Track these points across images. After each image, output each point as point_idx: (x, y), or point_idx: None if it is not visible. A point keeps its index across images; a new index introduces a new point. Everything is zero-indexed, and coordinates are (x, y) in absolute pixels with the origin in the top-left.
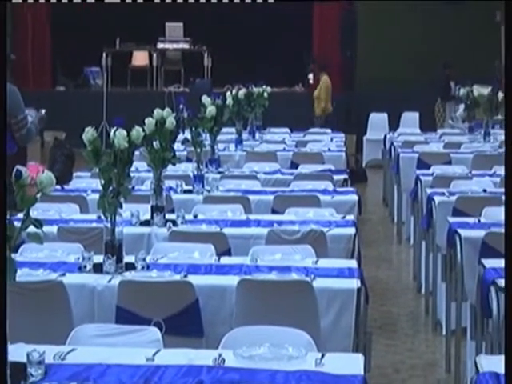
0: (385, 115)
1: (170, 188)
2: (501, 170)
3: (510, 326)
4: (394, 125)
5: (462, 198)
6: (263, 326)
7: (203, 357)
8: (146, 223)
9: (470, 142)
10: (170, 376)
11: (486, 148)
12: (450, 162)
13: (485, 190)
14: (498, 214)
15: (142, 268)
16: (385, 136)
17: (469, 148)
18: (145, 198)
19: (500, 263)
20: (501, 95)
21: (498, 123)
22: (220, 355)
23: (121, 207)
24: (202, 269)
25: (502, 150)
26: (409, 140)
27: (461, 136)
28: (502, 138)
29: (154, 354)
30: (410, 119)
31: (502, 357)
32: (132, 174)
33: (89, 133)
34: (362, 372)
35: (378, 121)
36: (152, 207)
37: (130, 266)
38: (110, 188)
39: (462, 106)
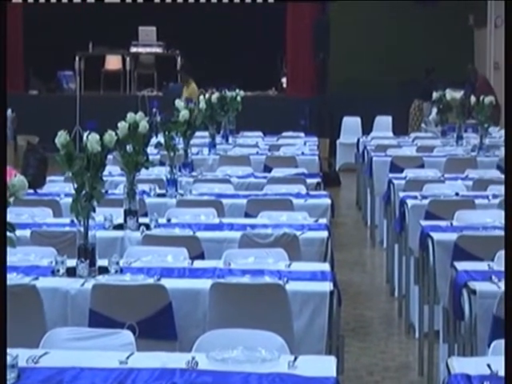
0: (358, 119)
1: (144, 192)
2: (473, 174)
3: (509, 325)
4: (367, 128)
5: (435, 202)
6: (236, 329)
7: (176, 360)
8: (120, 227)
9: (442, 146)
10: (143, 379)
11: (458, 152)
12: (422, 166)
13: (457, 194)
14: (470, 217)
15: (116, 272)
16: (358, 140)
17: (441, 152)
18: (118, 201)
19: (472, 266)
20: (473, 99)
21: (470, 127)
22: (193, 358)
23: (94, 211)
24: (176, 272)
25: (475, 153)
26: (382, 144)
27: (434, 140)
28: (475, 141)
29: (127, 358)
30: (383, 123)
31: (473, 358)
32: (105, 178)
33: (61, 137)
34: (335, 374)
35: (351, 124)
36: (125, 211)
37: (104, 270)
38: (83, 192)
39: (434, 110)
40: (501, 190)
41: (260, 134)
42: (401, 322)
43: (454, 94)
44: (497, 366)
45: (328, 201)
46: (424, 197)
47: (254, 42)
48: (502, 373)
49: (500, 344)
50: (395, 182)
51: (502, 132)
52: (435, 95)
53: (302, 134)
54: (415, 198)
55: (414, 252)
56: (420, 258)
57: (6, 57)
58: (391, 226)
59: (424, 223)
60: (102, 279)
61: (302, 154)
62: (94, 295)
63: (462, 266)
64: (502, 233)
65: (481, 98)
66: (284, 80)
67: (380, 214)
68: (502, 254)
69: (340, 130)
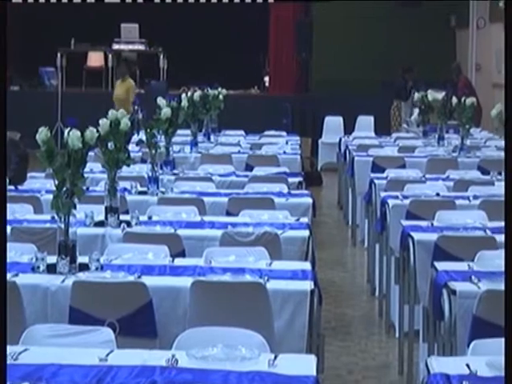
0: (340, 119)
1: (125, 189)
2: (454, 174)
3: (510, 325)
4: (349, 128)
5: (416, 202)
6: (216, 326)
7: (156, 357)
8: (100, 224)
9: (424, 146)
10: (123, 376)
11: (439, 152)
12: (404, 166)
13: (438, 194)
14: (450, 217)
15: (96, 269)
16: (340, 139)
17: (423, 152)
18: (99, 198)
19: (452, 266)
20: (455, 100)
21: (451, 128)
22: (173, 356)
23: (75, 208)
24: (156, 270)
25: (456, 154)
26: (363, 143)
27: (415, 140)
28: (456, 142)
29: (107, 355)
30: (365, 123)
31: (453, 358)
32: (86, 175)
33: (42, 133)
34: (315, 373)
35: (333, 124)
36: (106, 208)
37: (84, 267)
38: (64, 188)
39: (416, 111)
40: (481, 190)
41: (242, 132)
42: (381, 321)
43: (435, 95)
44: (476, 366)
45: (309, 200)
46: (405, 197)
47: (237, 41)
48: (480, 372)
49: (479, 344)
50: (377, 181)
51: (484, 133)
52: (416, 96)
53: (284, 133)
54: (396, 197)
55: (395, 252)
56: (401, 258)
57: (6, 56)
58: (372, 225)
59: (405, 223)
60: (83, 276)
61: (284, 152)
62: (74, 292)
63: (442, 266)
64: (482, 233)
65: (462, 99)
66: (266, 79)
67: (361, 214)
68: (482, 254)
69: (322, 129)
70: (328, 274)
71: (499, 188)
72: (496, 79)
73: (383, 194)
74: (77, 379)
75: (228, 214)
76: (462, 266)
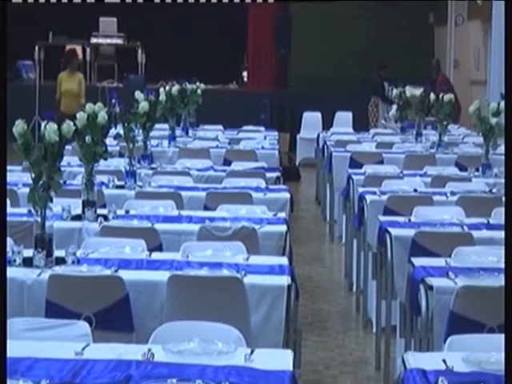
0: (318, 114)
1: (102, 183)
2: (432, 170)
3: (509, 325)
4: (327, 124)
5: (393, 198)
6: (193, 321)
7: (132, 352)
8: (77, 218)
9: (401, 142)
10: (99, 370)
11: (417, 148)
12: (382, 162)
13: (415, 190)
14: (427, 213)
15: (73, 262)
16: (318, 135)
17: (401, 148)
18: (76, 192)
19: (429, 262)
20: (433, 96)
21: (429, 124)
22: (149, 350)
23: (51, 201)
24: (133, 264)
25: (433, 150)
26: (341, 139)
27: (393, 136)
28: (434, 138)
29: (83, 349)
30: (343, 118)
31: (429, 353)
32: (63, 169)
33: (19, 126)
34: (291, 368)
35: (311, 120)
36: (83, 202)
37: (60, 261)
38: (41, 182)
39: (394, 107)
40: (458, 186)
41: (220, 127)
42: (358, 316)
43: (413, 91)
44: (452, 362)
45: (287, 195)
46: (383, 192)
47: (216, 36)
48: (456, 368)
49: (455, 339)
50: (354, 177)
51: (462, 130)
52: (395, 92)
53: (263, 128)
54: (374, 193)
55: (372, 247)
56: (378, 254)
57: (5, 56)
58: (350, 221)
59: (382, 219)
60: (59, 270)
61: (262, 148)
62: (50, 286)
63: (419, 261)
64: (459, 229)
65: (440, 96)
66: (245, 74)
67: (339, 209)
68: (459, 250)
69: (300, 124)
70: (305, 270)
71: (476, 184)
72: (474, 76)
73: (361, 190)
74: (52, 373)
75: (206, 208)
76: (439, 262)
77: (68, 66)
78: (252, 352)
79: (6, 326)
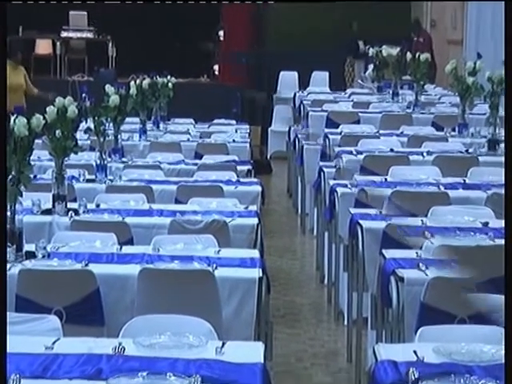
0: (295, 73)
1: (73, 177)
2: (408, 130)
3: (509, 324)
4: (304, 84)
5: (370, 157)
6: (164, 314)
7: (103, 345)
8: (48, 212)
9: (378, 102)
10: (69, 364)
11: (394, 108)
12: (358, 122)
13: (392, 150)
14: (404, 172)
15: (43, 257)
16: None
17: (377, 108)
18: (46, 186)
19: (399, 254)
20: (409, 55)
21: (406, 83)
22: (120, 344)
23: (21, 195)
24: (104, 258)
25: (410, 110)
26: (318, 99)
27: (370, 96)
28: (411, 98)
29: (54, 343)
30: (320, 78)
31: (400, 345)
32: (33, 163)
33: None
34: (262, 360)
35: (288, 79)
36: (53, 196)
37: (31, 255)
38: (10, 176)
39: (371, 66)
40: (435, 146)
41: (191, 120)
42: (330, 308)
43: (390, 51)
44: (423, 353)
45: (258, 188)
46: (359, 152)
47: (187, 29)
48: (427, 359)
49: (426, 330)
50: (325, 170)
51: (438, 89)
52: (371, 51)
53: (234, 122)
54: (345, 186)
55: (344, 240)
56: (349, 246)
57: (5, 56)
58: (321, 213)
59: (353, 211)
60: (29, 264)
61: (234, 141)
62: (20, 280)
63: (390, 253)
64: (435, 189)
65: (417, 55)
66: (216, 67)
67: (311, 202)
68: (435, 209)
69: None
70: (277, 262)
71: (453, 144)
72: (451, 36)
73: (332, 183)
74: (22, 367)
75: (177, 201)
76: (409, 254)
77: (12, 58)
78: (223, 345)
79: (5, 326)
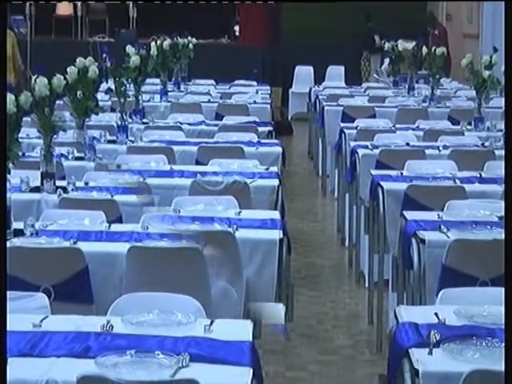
0: (310, 68)
1: (61, 155)
2: (424, 124)
3: (509, 323)
4: (319, 78)
5: (386, 151)
6: (152, 292)
7: (91, 323)
8: (36, 190)
9: (394, 96)
10: (57, 342)
11: (409, 102)
12: (374, 116)
13: (408, 144)
14: (420, 166)
15: (31, 234)
16: (310, 89)
17: (393, 102)
18: (35, 164)
19: (421, 215)
20: (425, 50)
21: (422, 78)
22: (108, 322)
23: (9, 173)
24: (92, 236)
25: (426, 104)
26: (334, 93)
27: (385, 90)
28: (426, 92)
29: (41, 321)
30: (336, 72)
31: (421, 307)
32: (22, 140)
33: None
34: (251, 338)
35: (303, 74)
36: (42, 173)
37: (19, 233)
38: None
39: (387, 60)
40: (451, 140)
41: (212, 81)
42: (351, 271)
43: (405, 45)
44: (444, 315)
45: (279, 149)
46: (375, 146)
47: None
48: (448, 321)
49: (448, 292)
50: (347, 131)
51: (454, 83)
52: (387, 45)
53: (255, 83)
54: (366, 147)
55: (365, 201)
56: (370, 208)
57: (5, 56)
58: (342, 175)
59: (374, 173)
60: (17, 242)
61: (254, 102)
62: (8, 258)
63: (411, 215)
64: (451, 183)
65: (432, 49)
66: (237, 28)
67: (331, 164)
68: (451, 203)
69: (293, 79)
70: (298, 224)
71: (469, 138)
72: (467, 29)
73: (353, 144)
74: (10, 345)
75: (197, 163)
76: (431, 216)
77: None
78: (212, 323)
79: (5, 324)
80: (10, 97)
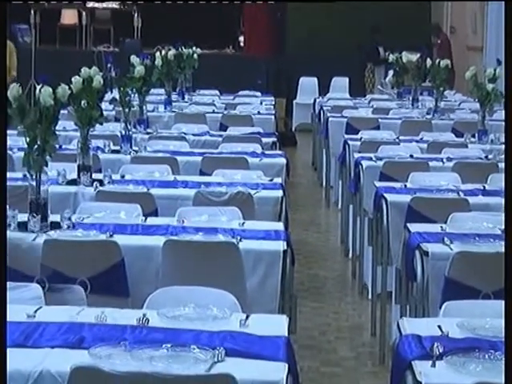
0: (315, 79)
1: (98, 148)
2: (428, 136)
3: (510, 336)
4: (323, 89)
5: (389, 163)
6: (188, 286)
7: (127, 316)
8: (73, 182)
9: (398, 108)
10: (51, 333)
11: (413, 114)
12: (378, 127)
13: (412, 156)
14: (423, 179)
15: (68, 227)
16: (314, 100)
17: (397, 114)
18: (72, 157)
19: (425, 228)
20: (429, 62)
21: (426, 90)
22: (144, 315)
23: (46, 165)
24: (128, 229)
25: (430, 116)
26: (338, 105)
27: (389, 102)
28: (430, 104)
29: (36, 311)
30: (340, 84)
31: (425, 319)
32: (59, 133)
33: (14, 89)
34: (286, 333)
35: (307, 85)
36: (79, 166)
37: (55, 225)
38: (36, 146)
39: (391, 72)
40: (455, 152)
41: (216, 92)
42: (354, 282)
43: (410, 57)
44: (447, 327)
45: (283, 160)
46: (379, 158)
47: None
48: (452, 334)
49: (451, 305)
50: (350, 143)
51: (458, 96)
52: (391, 58)
53: (259, 93)
54: (370, 159)
55: (368, 213)
56: (374, 219)
57: (5, 55)
58: (346, 186)
59: (378, 184)
60: (54, 234)
61: (259, 113)
62: (45, 250)
63: (415, 227)
64: (455, 195)
65: (436, 61)
66: (241, 39)
67: (335, 175)
68: (454, 216)
69: (297, 90)
70: (301, 235)
71: (473, 150)
72: (471, 42)
73: (357, 155)
74: None
75: (201, 173)
76: (434, 228)
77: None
78: (247, 317)
79: (5, 323)
80: (48, 89)
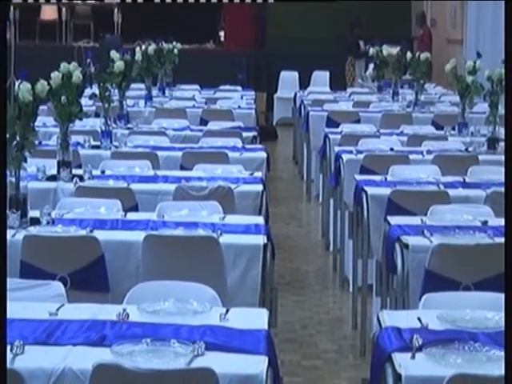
0: (295, 73)
1: (78, 143)
2: (408, 129)
3: (510, 322)
4: (304, 83)
5: (370, 156)
6: (168, 281)
7: (107, 312)
8: (53, 178)
9: (378, 101)
10: (73, 331)
11: (394, 107)
12: (358, 121)
13: (392, 149)
14: (404, 171)
15: (47, 223)
16: (295, 94)
17: (377, 107)
18: (52, 153)
19: (405, 220)
20: (409, 55)
21: (406, 83)
22: (124, 310)
23: (25, 161)
24: (108, 224)
25: (410, 109)
26: (318, 98)
27: (370, 95)
28: (411, 97)
29: (58, 309)
30: (321, 78)
31: (404, 312)
32: (39, 129)
33: None
34: (267, 326)
35: (288, 79)
36: (58, 162)
37: (35, 221)
38: (14, 142)
39: (371, 66)
40: (435, 145)
41: (197, 87)
42: (335, 275)
43: (390, 50)
44: (427, 319)
45: (264, 154)
46: (359, 151)
47: None
48: (431, 326)
49: (430, 297)
50: (331, 136)
51: (438, 89)
52: (371, 51)
53: (240, 88)
54: (350, 152)
55: (349, 206)
56: (354, 213)
57: (5, 55)
58: (327, 180)
59: (359, 178)
60: (34, 230)
61: (239, 107)
62: (25, 246)
63: (395, 220)
64: (435, 188)
65: (417, 55)
66: (222, 34)
67: (316, 169)
68: (435, 208)
69: (277, 84)
70: (282, 229)
71: (453, 143)
72: (451, 35)
73: (337, 149)
74: (26, 334)
75: (182, 168)
76: (414, 221)
77: None
78: (227, 311)
79: (5, 323)
80: (26, 85)
